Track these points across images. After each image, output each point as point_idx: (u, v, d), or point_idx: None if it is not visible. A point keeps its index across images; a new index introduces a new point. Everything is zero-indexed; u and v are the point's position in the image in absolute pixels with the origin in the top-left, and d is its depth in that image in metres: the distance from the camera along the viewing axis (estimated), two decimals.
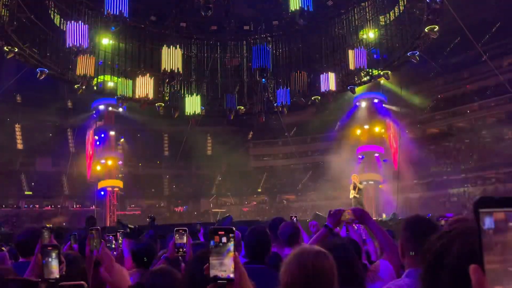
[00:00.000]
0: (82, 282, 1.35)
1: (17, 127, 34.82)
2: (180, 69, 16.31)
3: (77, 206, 33.69)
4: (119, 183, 22.40)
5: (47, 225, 3.04)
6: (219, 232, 1.36)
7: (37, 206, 33.20)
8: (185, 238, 2.90)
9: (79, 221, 26.40)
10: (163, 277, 2.20)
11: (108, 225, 20.00)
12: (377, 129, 22.18)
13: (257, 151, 39.62)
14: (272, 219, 4.30)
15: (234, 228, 1.37)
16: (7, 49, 13.75)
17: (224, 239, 1.35)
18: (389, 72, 16.68)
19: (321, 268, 1.65)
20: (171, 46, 16.22)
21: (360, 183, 15.14)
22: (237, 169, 36.68)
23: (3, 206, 32.55)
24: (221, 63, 19.76)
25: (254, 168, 38.86)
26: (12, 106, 33.92)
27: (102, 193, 22.08)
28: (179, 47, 16.59)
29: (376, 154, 22.52)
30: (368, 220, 2.99)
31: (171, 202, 36.53)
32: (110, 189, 21.84)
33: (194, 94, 18.88)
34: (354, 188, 14.45)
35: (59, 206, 33.84)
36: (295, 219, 4.70)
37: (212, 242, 1.36)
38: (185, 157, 31.63)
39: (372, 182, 22.35)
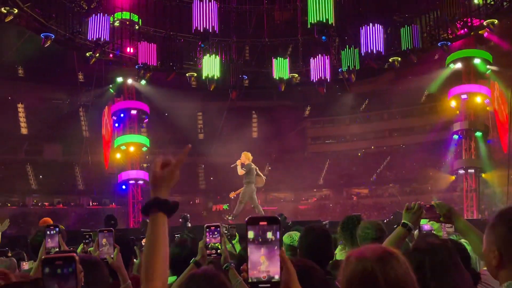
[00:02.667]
0: (73, 253, 1.46)
1: (20, 108, 36.45)
2: (216, 28, 16.42)
3: (94, 203, 35.16)
4: (145, 175, 23.05)
5: (56, 225, 3.24)
6: (261, 223, 1.35)
7: (46, 204, 34.76)
8: (219, 236, 2.98)
9: (96, 221, 27.60)
10: (208, 282, 2.27)
11: (131, 226, 20.74)
12: (479, 99, 21.36)
13: (316, 131, 39.44)
14: (346, 217, 4.21)
15: (279, 217, 1.37)
16: (5, 11, 14.31)
17: (267, 232, 1.35)
18: (496, 21, 16.14)
19: (394, 277, 1.53)
20: None
21: (244, 166, 12.49)
22: (291, 155, 36.74)
23: (8, 204, 34.13)
24: (268, 18, 19.69)
25: (313, 153, 38.75)
26: (14, 82, 35.30)
27: (124, 187, 22.80)
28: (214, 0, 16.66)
29: (478, 133, 21.75)
30: (458, 219, 2.90)
31: (208, 197, 37.28)
32: (133, 182, 22.50)
33: (235, 59, 18.99)
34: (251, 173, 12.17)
35: (72, 204, 35.48)
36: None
37: (251, 235, 1.35)
38: (225, 141, 32.03)
39: (472, 171, 21.61)
